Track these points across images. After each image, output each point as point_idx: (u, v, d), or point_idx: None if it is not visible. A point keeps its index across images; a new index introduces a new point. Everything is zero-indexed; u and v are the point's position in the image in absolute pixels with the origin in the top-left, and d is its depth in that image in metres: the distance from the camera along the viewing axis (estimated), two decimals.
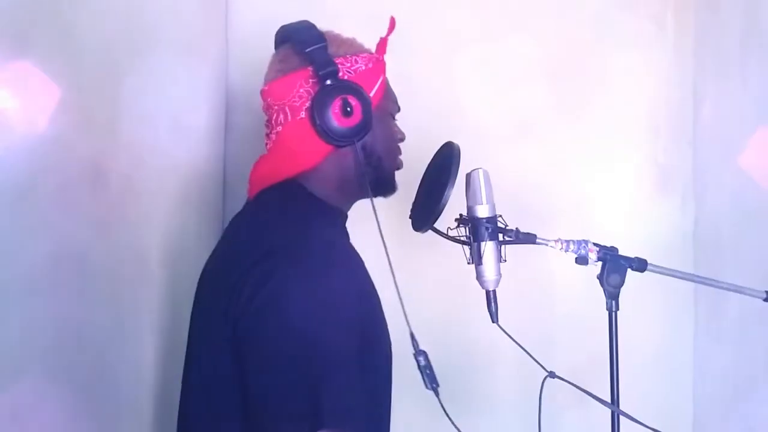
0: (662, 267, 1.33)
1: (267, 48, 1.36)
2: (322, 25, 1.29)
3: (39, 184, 1.05)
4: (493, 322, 1.30)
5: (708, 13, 1.97)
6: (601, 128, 2.00)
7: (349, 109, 1.19)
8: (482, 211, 1.28)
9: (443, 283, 1.87)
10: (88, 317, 1.19)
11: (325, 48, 1.23)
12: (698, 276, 1.44)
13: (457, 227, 1.31)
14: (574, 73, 1.99)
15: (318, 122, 1.19)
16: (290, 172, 1.24)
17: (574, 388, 1.26)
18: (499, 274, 1.29)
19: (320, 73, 1.20)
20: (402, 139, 1.36)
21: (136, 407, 1.35)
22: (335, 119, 1.20)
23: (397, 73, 1.83)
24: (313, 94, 1.21)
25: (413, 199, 1.38)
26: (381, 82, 1.29)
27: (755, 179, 1.75)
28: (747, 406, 1.76)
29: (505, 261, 1.30)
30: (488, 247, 1.28)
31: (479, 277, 1.29)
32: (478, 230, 1.28)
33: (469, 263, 1.30)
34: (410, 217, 1.36)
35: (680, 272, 1.36)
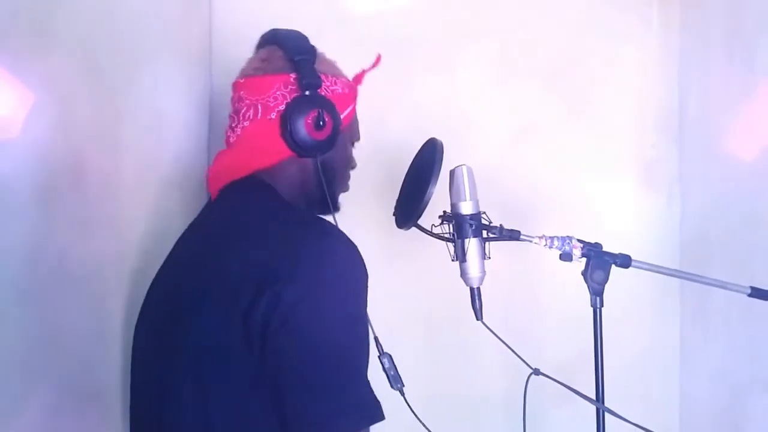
0: (647, 263, 1.33)
1: (250, 46, 1.35)
2: (308, 27, 1.29)
3: (17, 186, 1.04)
4: (477, 319, 1.30)
5: (693, 9, 1.97)
6: (587, 125, 2.00)
7: (321, 123, 1.21)
8: (466, 208, 1.28)
9: (427, 280, 1.86)
10: (68, 319, 1.18)
11: (313, 61, 1.24)
12: (683, 272, 1.44)
13: (441, 224, 1.31)
14: (560, 70, 1.99)
15: (289, 128, 1.21)
16: (251, 167, 1.24)
17: (560, 385, 1.26)
18: (484, 271, 1.29)
19: (304, 82, 1.22)
20: (354, 167, 1.38)
21: (117, 410, 1.33)
22: (306, 129, 1.21)
23: (395, 73, 1.84)
24: (289, 99, 1.22)
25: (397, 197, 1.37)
26: (351, 109, 1.31)
27: (741, 176, 1.75)
28: (734, 402, 1.76)
29: (490, 258, 1.30)
30: (472, 244, 1.28)
31: (463, 274, 1.29)
32: (462, 227, 1.28)
33: (453, 260, 1.30)
34: (394, 215, 1.36)
35: (665, 268, 1.36)
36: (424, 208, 1.26)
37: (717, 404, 1.84)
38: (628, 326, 1.88)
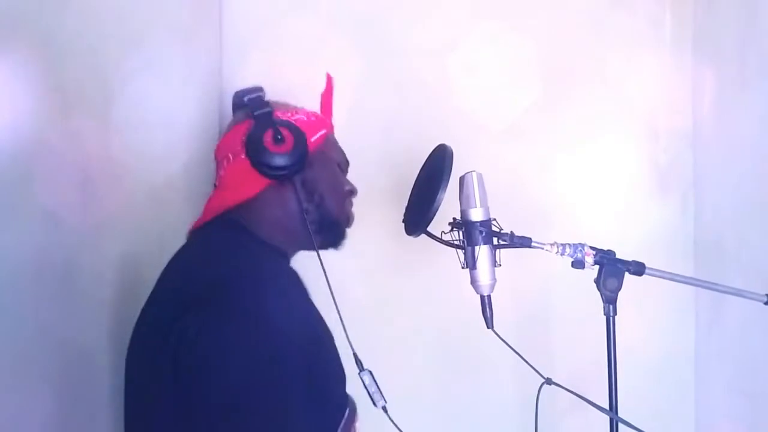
0: (661, 270, 1.31)
1: (261, 46, 1.35)
2: (314, 23, 1.27)
3: (24, 189, 1.04)
4: (488, 327, 1.28)
5: (706, 13, 1.95)
6: (598, 129, 1.98)
7: (279, 137, 1.20)
8: (476, 215, 1.26)
9: (437, 287, 1.84)
10: (74, 324, 1.17)
11: (263, 98, 1.25)
12: (697, 279, 1.42)
13: (450, 231, 1.29)
14: (572, 73, 1.97)
15: (251, 154, 1.20)
16: (228, 203, 1.24)
17: (572, 394, 1.24)
18: (494, 279, 1.27)
19: (255, 113, 1.22)
20: (352, 193, 1.34)
21: (122, 415, 1.32)
22: (267, 147, 1.20)
23: (391, 74, 1.83)
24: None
25: (406, 204, 1.36)
26: (323, 133, 1.29)
27: (756, 181, 1.73)
28: (751, 411, 1.73)
29: (500, 265, 1.28)
30: (482, 251, 1.26)
31: (473, 281, 1.27)
32: (472, 234, 1.26)
33: (463, 268, 1.29)
34: (403, 221, 1.34)
35: (679, 276, 1.34)
36: (434, 215, 1.24)
37: (733, 413, 1.82)
38: (641, 334, 1.85)
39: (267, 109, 1.23)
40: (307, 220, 1.22)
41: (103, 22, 1.27)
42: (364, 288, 1.81)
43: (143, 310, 1.19)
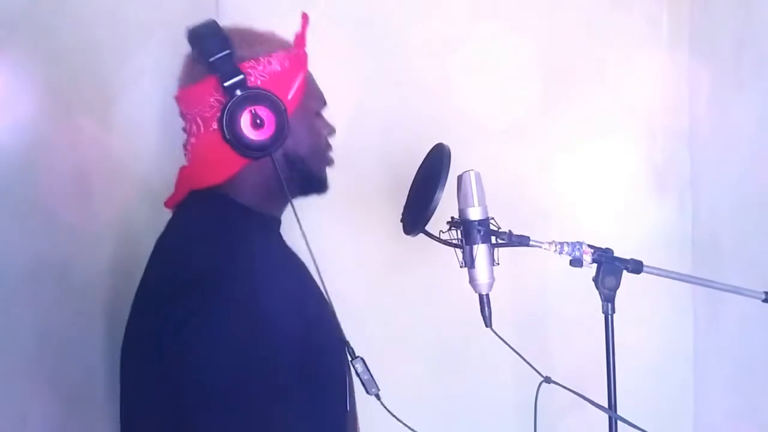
0: (659, 268, 1.31)
1: None
2: (313, 23, 1.25)
3: (20, 191, 1.03)
4: (486, 326, 1.28)
5: (703, 12, 1.95)
6: (596, 129, 1.98)
7: (258, 121, 1.13)
8: (474, 214, 1.26)
9: (436, 287, 1.84)
10: (70, 326, 1.17)
11: (231, 55, 1.14)
12: (695, 277, 1.42)
13: (449, 230, 1.29)
14: (569, 73, 1.97)
15: (229, 137, 1.12)
16: (208, 182, 1.18)
17: (571, 393, 1.24)
18: (492, 278, 1.27)
19: (225, 84, 1.12)
20: (330, 133, 1.27)
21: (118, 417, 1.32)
22: (246, 132, 1.12)
23: (391, 74, 1.83)
24: (223, 103, 1.13)
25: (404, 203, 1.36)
26: (300, 82, 1.19)
27: (753, 179, 1.73)
28: (749, 409, 1.74)
29: (498, 264, 1.28)
30: (480, 250, 1.26)
31: (472, 280, 1.27)
32: (470, 233, 1.26)
33: (461, 267, 1.29)
34: (401, 221, 1.34)
35: (677, 273, 1.34)
36: (432, 214, 1.24)
37: (732, 411, 1.82)
38: (639, 332, 1.85)
39: (239, 77, 1.12)
40: (287, 188, 1.16)
41: (101, 23, 1.26)
42: (362, 287, 1.81)
43: (135, 298, 1.15)
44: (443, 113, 1.91)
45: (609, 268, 1.27)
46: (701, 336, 1.96)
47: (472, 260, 1.26)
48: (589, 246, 1.28)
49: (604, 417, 1.27)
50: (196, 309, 1.02)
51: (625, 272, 1.28)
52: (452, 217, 1.29)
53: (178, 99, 1.20)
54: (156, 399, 1.05)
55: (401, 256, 1.79)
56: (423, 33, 1.92)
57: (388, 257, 1.67)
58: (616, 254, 1.29)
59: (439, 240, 1.29)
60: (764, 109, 1.70)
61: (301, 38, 1.22)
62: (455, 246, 1.29)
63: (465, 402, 1.87)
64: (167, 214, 1.51)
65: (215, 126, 1.14)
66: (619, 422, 1.25)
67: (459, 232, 1.28)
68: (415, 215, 1.28)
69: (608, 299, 1.27)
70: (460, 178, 1.28)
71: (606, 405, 1.26)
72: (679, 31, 2.00)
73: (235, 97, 1.12)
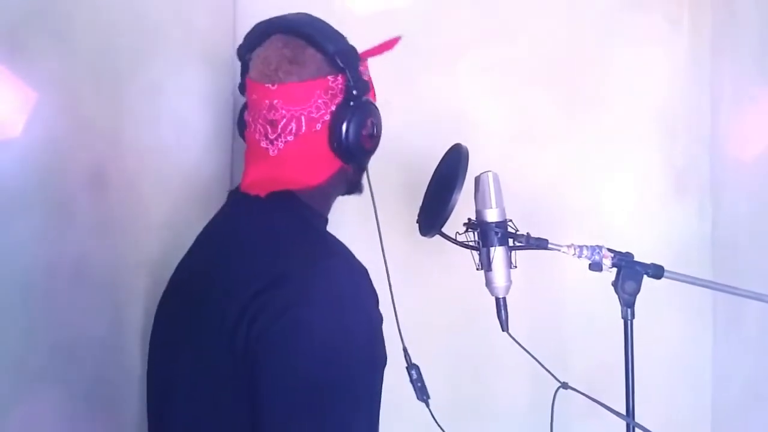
0: (679, 273, 1.29)
1: None
2: (329, 22, 1.24)
3: (37, 190, 1.04)
4: (503, 330, 1.27)
5: (725, 12, 1.92)
6: (615, 130, 1.95)
7: (375, 131, 1.15)
8: (491, 215, 1.25)
9: (452, 289, 1.83)
10: (86, 324, 1.17)
11: (356, 55, 1.12)
12: (716, 283, 1.40)
13: (465, 232, 1.28)
14: (588, 73, 1.95)
15: (344, 142, 1.10)
16: (300, 182, 1.14)
17: (588, 399, 1.22)
18: (510, 281, 1.26)
19: (354, 92, 1.10)
20: None
21: (134, 417, 1.32)
22: (362, 141, 1.12)
23: (403, 76, 1.81)
24: (332, 106, 1.11)
25: (420, 204, 1.34)
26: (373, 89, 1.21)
27: None
28: None
29: (516, 267, 1.26)
30: (498, 253, 1.24)
31: (489, 283, 1.26)
32: (488, 235, 1.25)
33: (478, 269, 1.27)
34: (417, 222, 1.33)
35: (698, 279, 1.32)
36: (449, 216, 1.22)
37: (750, 419, 1.79)
38: (658, 336, 1.83)
39: (365, 85, 1.11)
40: (372, 198, 1.21)
41: (116, 18, 1.26)
42: (377, 289, 1.79)
43: (185, 292, 1.14)
44: (459, 114, 1.90)
45: (629, 273, 1.25)
46: (721, 341, 1.93)
47: (489, 263, 1.25)
48: (609, 250, 1.26)
49: (622, 424, 1.25)
50: (296, 299, 1.01)
51: (645, 277, 1.26)
52: (469, 219, 1.28)
53: (274, 93, 1.11)
54: (226, 384, 1.03)
55: (417, 258, 1.78)
56: (438, 33, 1.90)
57: (403, 259, 1.64)
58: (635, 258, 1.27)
59: (455, 242, 1.28)
60: None
61: (379, 50, 1.19)
62: (472, 248, 1.28)
63: (480, 406, 1.86)
64: (184, 209, 1.51)
65: (319, 127, 1.11)
66: (636, 429, 1.23)
67: (476, 234, 1.27)
68: (432, 216, 1.27)
69: (628, 304, 1.25)
70: (477, 180, 1.26)
71: (624, 411, 1.24)
72: (701, 31, 1.97)
73: (362, 102, 1.12)
